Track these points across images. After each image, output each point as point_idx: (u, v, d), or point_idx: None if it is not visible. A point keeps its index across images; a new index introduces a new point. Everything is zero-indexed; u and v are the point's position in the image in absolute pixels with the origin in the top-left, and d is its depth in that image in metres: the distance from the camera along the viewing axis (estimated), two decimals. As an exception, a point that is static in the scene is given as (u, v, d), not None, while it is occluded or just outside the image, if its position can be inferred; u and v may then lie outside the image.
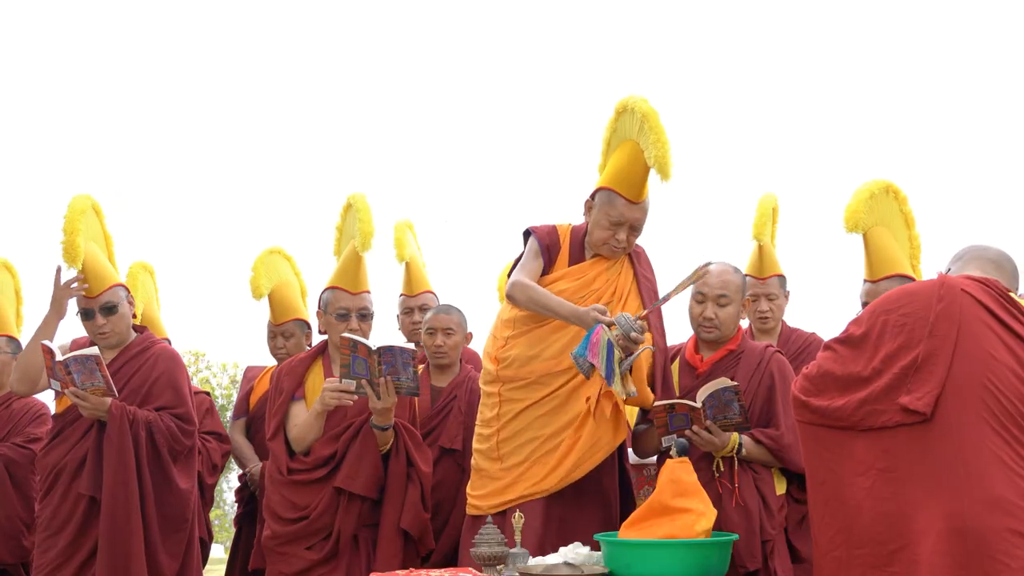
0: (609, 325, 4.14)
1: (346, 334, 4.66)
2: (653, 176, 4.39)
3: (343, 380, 4.62)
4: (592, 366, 4.13)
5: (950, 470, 3.12)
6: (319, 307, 5.03)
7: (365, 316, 4.95)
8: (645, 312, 4.31)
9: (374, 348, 4.53)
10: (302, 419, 4.81)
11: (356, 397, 4.66)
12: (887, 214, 4.92)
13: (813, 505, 3.49)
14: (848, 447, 3.31)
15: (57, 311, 5.02)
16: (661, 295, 4.51)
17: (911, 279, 4.70)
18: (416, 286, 6.12)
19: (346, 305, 4.91)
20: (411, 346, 4.61)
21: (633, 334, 4.14)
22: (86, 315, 5.05)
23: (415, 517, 4.76)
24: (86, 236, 5.05)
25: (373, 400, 4.61)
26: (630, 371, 4.26)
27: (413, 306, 5.99)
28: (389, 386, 4.58)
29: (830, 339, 3.50)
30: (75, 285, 4.99)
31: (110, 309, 5.04)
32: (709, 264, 4.40)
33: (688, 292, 4.59)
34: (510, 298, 4.47)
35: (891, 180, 4.93)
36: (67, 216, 4.99)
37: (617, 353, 4.13)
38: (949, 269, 3.51)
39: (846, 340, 3.41)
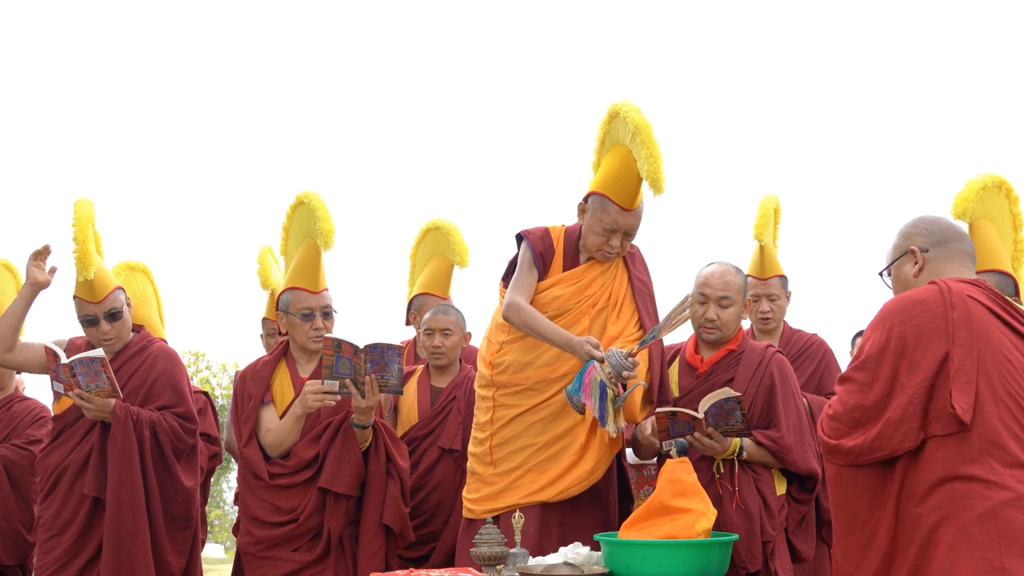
0: (601, 361, 4.11)
1: (329, 334, 4.63)
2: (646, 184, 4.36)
3: (326, 381, 4.57)
4: (585, 404, 4.11)
5: (980, 476, 3.08)
6: (278, 308, 4.93)
7: (328, 314, 4.87)
8: (636, 349, 4.23)
9: (361, 346, 4.51)
10: (277, 424, 4.76)
11: (339, 398, 4.63)
12: (996, 210, 4.83)
13: (847, 549, 3.30)
14: (890, 480, 3.19)
15: (32, 284, 4.94)
16: (659, 307, 4.52)
17: (1010, 276, 4.67)
18: (448, 288, 6.15)
19: (309, 304, 4.83)
20: (397, 342, 4.58)
21: (625, 372, 4.10)
22: (90, 322, 5.01)
23: (396, 512, 4.75)
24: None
25: (357, 399, 4.57)
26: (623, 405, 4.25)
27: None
28: (374, 384, 4.54)
29: (844, 372, 3.36)
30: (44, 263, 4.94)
31: (114, 315, 5.02)
32: (688, 297, 4.33)
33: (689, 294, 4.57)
34: (506, 319, 4.43)
35: (1006, 177, 4.85)
36: (76, 225, 4.94)
37: (610, 392, 4.10)
38: (927, 250, 3.41)
39: (864, 364, 3.26)
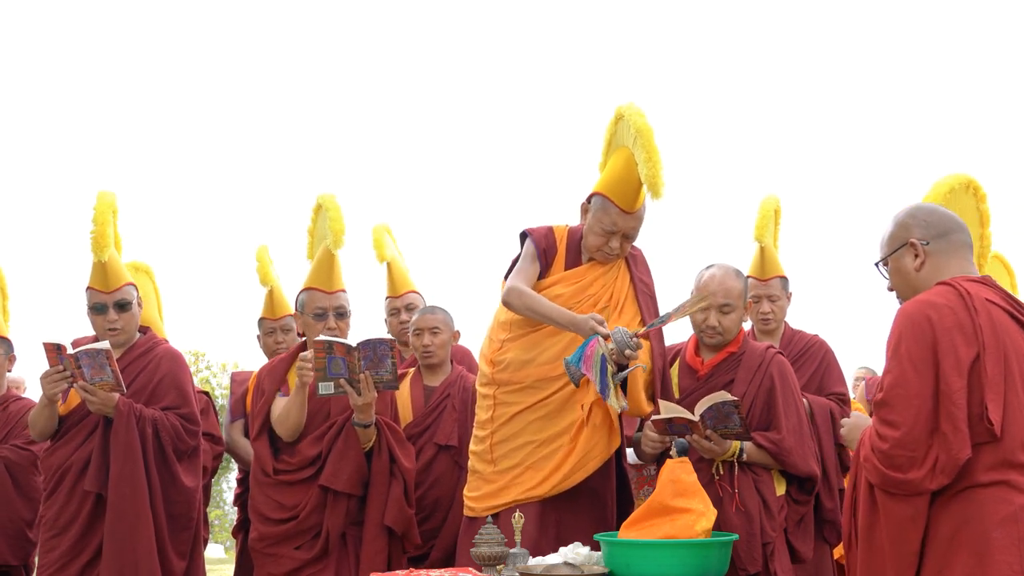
0: (605, 337, 4.13)
1: (320, 337, 4.68)
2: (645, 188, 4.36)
3: (320, 383, 4.63)
4: (583, 375, 4.13)
5: (1002, 481, 3.06)
6: (296, 309, 5.05)
7: (342, 315, 4.96)
8: (643, 331, 4.27)
9: (353, 345, 4.56)
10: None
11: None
12: (963, 210, 4.69)
13: None
14: (945, 504, 3.10)
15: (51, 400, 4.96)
16: (660, 309, 4.52)
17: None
18: (399, 287, 6.16)
19: (322, 304, 4.93)
20: (388, 336, 4.63)
21: (628, 351, 4.12)
22: (99, 309, 5.07)
23: (399, 513, 4.78)
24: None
25: (354, 397, 4.63)
26: (622, 384, 4.25)
27: (399, 306, 6.05)
28: (368, 381, 4.61)
29: (884, 395, 3.12)
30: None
31: (124, 306, 5.07)
32: (707, 297, 4.36)
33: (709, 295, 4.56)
34: (506, 304, 4.46)
35: (973, 176, 4.76)
36: (97, 208, 5.03)
37: (610, 367, 4.12)
38: (927, 243, 3.34)
39: (904, 379, 3.09)
